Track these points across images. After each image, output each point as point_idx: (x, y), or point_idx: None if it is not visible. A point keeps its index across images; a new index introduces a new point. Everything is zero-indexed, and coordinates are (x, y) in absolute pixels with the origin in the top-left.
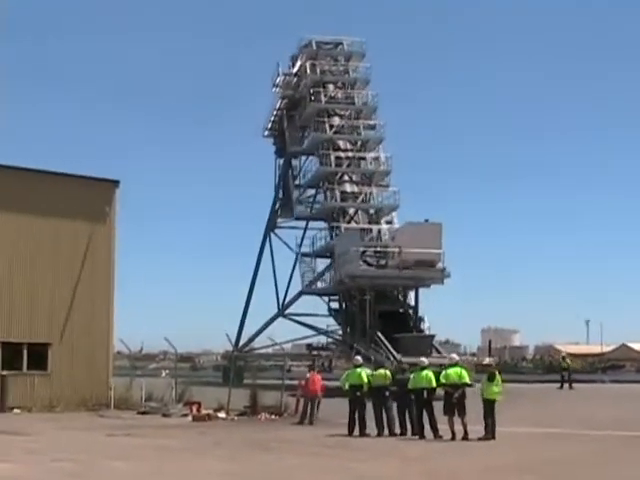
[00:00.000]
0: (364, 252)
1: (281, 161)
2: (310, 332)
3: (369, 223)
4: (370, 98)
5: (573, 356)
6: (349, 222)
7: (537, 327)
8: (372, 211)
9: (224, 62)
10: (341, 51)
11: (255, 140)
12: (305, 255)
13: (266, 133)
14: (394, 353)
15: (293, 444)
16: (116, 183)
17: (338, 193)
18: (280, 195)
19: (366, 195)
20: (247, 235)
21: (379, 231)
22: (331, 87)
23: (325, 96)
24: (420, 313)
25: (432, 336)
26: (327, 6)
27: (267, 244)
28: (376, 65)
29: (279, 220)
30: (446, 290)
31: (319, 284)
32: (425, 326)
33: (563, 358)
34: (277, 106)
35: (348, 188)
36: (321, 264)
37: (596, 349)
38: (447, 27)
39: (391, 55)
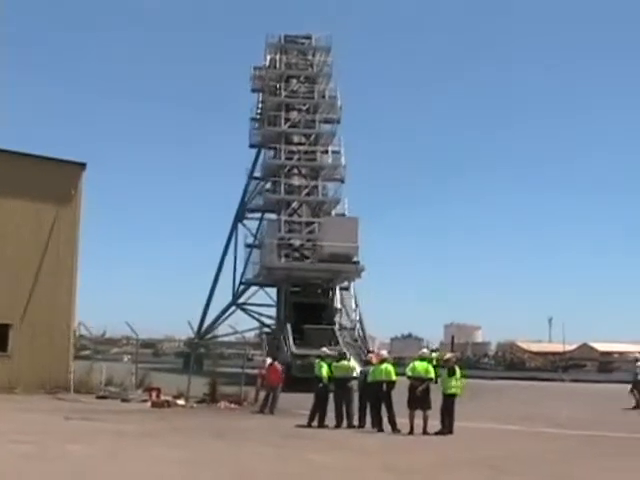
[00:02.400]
0: (302, 245)
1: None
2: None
3: (312, 216)
4: (329, 92)
5: (535, 354)
6: (292, 215)
7: (499, 324)
8: (320, 205)
9: (210, 54)
10: (308, 45)
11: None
12: (249, 246)
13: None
14: (290, 344)
15: (251, 433)
16: (82, 166)
17: (283, 186)
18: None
19: (313, 188)
20: (217, 223)
21: (318, 224)
22: (294, 81)
23: (286, 90)
24: (354, 305)
25: (332, 328)
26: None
27: (234, 234)
28: (343, 59)
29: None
30: (410, 285)
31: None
32: (351, 318)
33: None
34: (259, 98)
35: (296, 181)
36: None
37: (558, 347)
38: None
39: (358, 49)
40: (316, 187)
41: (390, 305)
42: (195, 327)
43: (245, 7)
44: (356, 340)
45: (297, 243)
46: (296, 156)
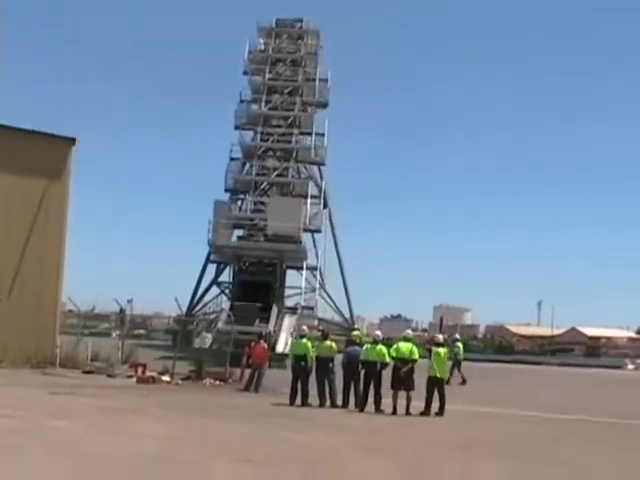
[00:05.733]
0: (265, 226)
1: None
2: None
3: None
4: (319, 76)
5: (523, 337)
6: (261, 196)
7: (489, 307)
8: (290, 187)
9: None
10: (298, 29)
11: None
12: None
13: None
14: (220, 321)
15: (234, 410)
16: (72, 141)
17: (254, 168)
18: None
19: (284, 170)
20: (207, 200)
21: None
22: (280, 64)
23: (270, 72)
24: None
25: (257, 306)
26: None
27: None
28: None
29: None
30: (401, 266)
31: None
32: (306, 297)
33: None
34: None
35: (270, 163)
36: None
37: (546, 331)
38: None
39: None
40: (287, 169)
41: (382, 286)
42: (186, 304)
43: None
44: (316, 319)
45: (262, 224)
46: (272, 138)
